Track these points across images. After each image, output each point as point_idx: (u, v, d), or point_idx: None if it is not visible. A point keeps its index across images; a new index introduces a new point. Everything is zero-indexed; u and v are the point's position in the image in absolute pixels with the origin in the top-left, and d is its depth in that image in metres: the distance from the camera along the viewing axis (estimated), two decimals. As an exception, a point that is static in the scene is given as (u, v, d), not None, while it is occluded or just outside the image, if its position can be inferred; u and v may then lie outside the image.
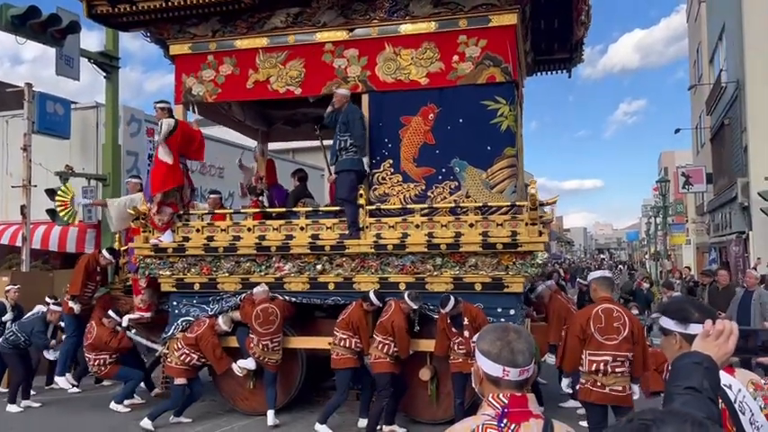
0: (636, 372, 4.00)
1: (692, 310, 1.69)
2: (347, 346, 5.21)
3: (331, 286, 5.64)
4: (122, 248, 7.39)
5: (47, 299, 7.40)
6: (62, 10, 8.38)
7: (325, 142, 7.98)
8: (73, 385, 6.78)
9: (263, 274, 5.75)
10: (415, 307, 5.06)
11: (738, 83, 13.00)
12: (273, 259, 5.71)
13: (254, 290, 5.59)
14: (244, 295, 5.80)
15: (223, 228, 5.89)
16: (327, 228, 5.59)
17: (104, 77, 10.01)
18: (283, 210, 6.44)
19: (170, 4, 5.85)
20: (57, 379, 6.74)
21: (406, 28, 5.79)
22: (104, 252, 6.89)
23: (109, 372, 6.41)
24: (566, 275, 18.64)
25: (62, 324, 6.88)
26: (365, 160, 5.52)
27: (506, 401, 1.38)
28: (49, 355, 6.79)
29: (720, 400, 1.36)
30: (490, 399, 1.41)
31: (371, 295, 5.22)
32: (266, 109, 8.45)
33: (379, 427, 5.12)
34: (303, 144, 12.93)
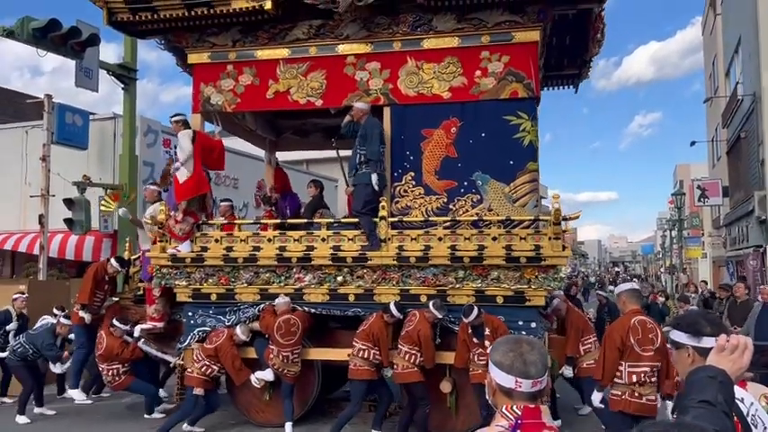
0: (662, 382, 4.13)
1: (704, 324, 1.70)
2: (366, 357, 5.34)
3: (351, 298, 5.78)
4: (133, 257, 7.41)
5: (54, 310, 7.43)
6: (82, 23, 8.75)
7: (341, 153, 8.11)
8: (87, 400, 6.83)
9: (282, 284, 5.86)
10: (440, 316, 5.21)
11: (755, 96, 13.14)
12: (294, 270, 5.84)
13: (276, 301, 5.71)
14: (263, 306, 5.91)
15: (243, 238, 6.04)
16: (349, 239, 5.75)
17: (122, 89, 10.35)
18: (298, 221, 6.58)
19: (192, 13, 5.98)
20: (70, 392, 6.80)
21: (429, 42, 6.00)
22: (113, 261, 6.98)
23: (122, 383, 6.46)
24: (576, 289, 18.60)
25: (70, 336, 6.85)
26: (374, 177, 5.56)
27: (520, 413, 1.39)
28: (56, 369, 6.80)
29: (733, 414, 1.36)
30: (503, 410, 1.41)
31: (392, 307, 5.38)
32: (276, 119, 8.66)
33: None
34: (317, 155, 13.17)
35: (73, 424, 6.48)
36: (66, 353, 6.78)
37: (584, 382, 5.69)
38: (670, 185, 33.67)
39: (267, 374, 5.69)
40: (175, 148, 7.75)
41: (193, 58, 6.55)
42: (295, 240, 5.79)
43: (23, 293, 7.96)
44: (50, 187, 9.75)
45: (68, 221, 9.48)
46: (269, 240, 5.85)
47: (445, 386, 5.33)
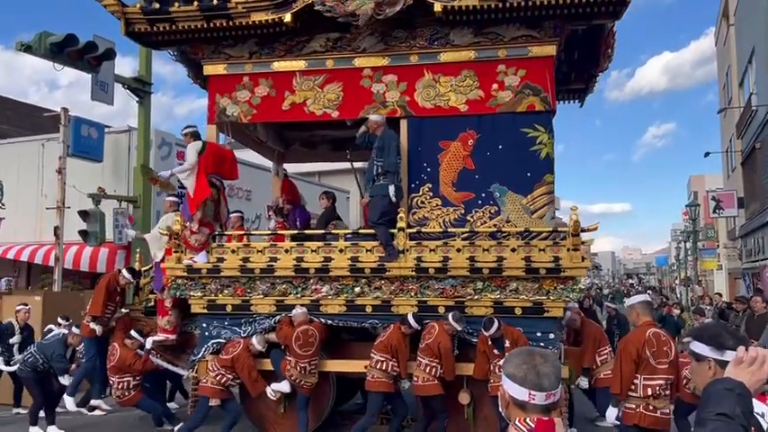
0: (672, 394, 4.17)
1: (727, 337, 1.71)
2: (384, 369, 5.38)
3: (369, 309, 5.82)
4: (144, 268, 7.41)
5: (59, 319, 7.44)
6: (98, 37, 9.19)
7: (355, 165, 8.18)
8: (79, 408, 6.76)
9: (299, 296, 5.91)
10: (460, 328, 5.25)
11: None
12: (311, 281, 5.90)
13: (294, 312, 5.76)
14: (279, 317, 5.95)
15: (259, 249, 6.09)
16: (367, 250, 5.81)
17: (137, 102, 10.65)
18: (316, 232, 6.65)
19: (211, 25, 6.08)
20: (65, 398, 6.71)
21: (446, 56, 6.12)
22: (124, 272, 7.03)
23: (132, 398, 6.44)
24: (589, 302, 18.54)
25: (79, 347, 6.85)
26: (391, 189, 5.64)
27: (533, 426, 1.39)
28: (64, 381, 6.77)
29: (753, 429, 1.37)
30: (517, 423, 1.42)
31: (410, 318, 5.44)
32: (284, 130, 8.78)
33: None
34: (328, 167, 13.32)
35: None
36: (74, 366, 6.82)
37: (601, 392, 5.72)
38: (684, 197, 33.70)
39: (284, 386, 5.72)
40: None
41: (209, 69, 6.65)
42: (312, 251, 5.86)
43: (26, 305, 8.03)
44: (66, 199, 10.00)
45: (83, 233, 9.69)
46: (286, 251, 5.92)
47: (464, 398, 5.38)
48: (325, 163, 11.09)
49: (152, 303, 7.15)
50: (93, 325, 6.53)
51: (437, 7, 5.40)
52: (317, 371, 5.71)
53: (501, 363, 5.02)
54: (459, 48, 5.98)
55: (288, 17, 5.76)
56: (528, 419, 1.40)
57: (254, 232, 6.98)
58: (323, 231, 6.51)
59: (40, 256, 11.42)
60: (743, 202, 17.89)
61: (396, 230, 5.57)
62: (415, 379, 5.33)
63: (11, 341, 7.48)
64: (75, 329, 6.74)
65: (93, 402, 6.75)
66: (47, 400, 6.70)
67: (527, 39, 5.83)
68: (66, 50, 8.42)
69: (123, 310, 7.16)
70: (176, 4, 5.98)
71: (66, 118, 10.00)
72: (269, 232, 6.84)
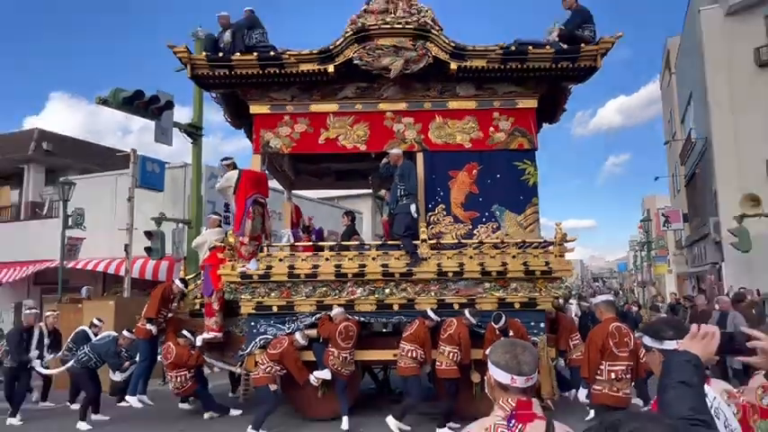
0: (633, 377, 4.60)
1: (666, 330, 1.87)
2: (413, 356, 6.25)
3: (396, 307, 6.84)
4: (188, 277, 8.29)
5: (94, 320, 8.26)
6: (161, 92, 10.41)
7: (356, 191, 9.44)
8: (143, 405, 7.31)
9: (337, 297, 6.84)
10: (475, 322, 6.29)
11: (706, 140, 15.09)
12: (348, 284, 6.85)
13: (334, 311, 6.64)
14: (319, 315, 6.80)
15: (303, 258, 7.01)
16: (396, 258, 6.85)
17: (191, 143, 12.08)
18: (351, 243, 7.55)
19: (264, 72, 7.08)
20: (128, 398, 7.34)
21: (453, 104, 7.47)
22: (177, 282, 7.89)
23: (189, 388, 7.18)
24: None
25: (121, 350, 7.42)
26: (413, 207, 6.64)
27: (514, 405, 1.51)
28: (116, 377, 7.45)
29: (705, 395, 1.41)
30: (500, 402, 1.55)
31: (430, 313, 6.45)
32: (297, 162, 9.80)
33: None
34: (344, 192, 15.10)
35: (132, 428, 7.01)
36: (127, 363, 7.37)
37: (575, 370, 6.77)
38: (639, 214, 36.92)
39: (325, 374, 6.47)
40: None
41: (255, 108, 7.54)
42: (349, 259, 6.87)
43: (55, 311, 8.74)
44: (134, 222, 11.49)
45: (148, 249, 11.18)
46: (326, 259, 6.90)
47: (475, 377, 6.37)
48: (342, 190, 12.57)
49: (197, 307, 7.92)
50: (149, 326, 7.24)
51: (453, 65, 6.80)
52: (354, 360, 6.63)
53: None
54: (463, 98, 7.37)
55: (331, 68, 6.90)
56: (510, 400, 1.52)
57: (314, 244, 7.74)
58: (358, 243, 7.46)
59: (112, 268, 13.46)
60: (687, 217, 20.11)
61: (419, 241, 6.73)
62: (439, 364, 6.15)
63: (43, 343, 7.74)
64: (126, 333, 7.27)
65: (127, 398, 7.32)
66: (96, 395, 7.13)
67: (515, 93, 7.30)
68: (135, 103, 9.76)
69: (169, 314, 7.71)
70: (237, 54, 7.03)
71: (134, 157, 11.62)
72: (317, 244, 7.70)
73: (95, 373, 7.34)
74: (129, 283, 11.56)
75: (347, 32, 6.94)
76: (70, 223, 12.60)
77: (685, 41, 18.37)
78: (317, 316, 6.84)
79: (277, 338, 6.72)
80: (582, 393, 4.86)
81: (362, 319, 6.86)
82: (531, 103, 7.35)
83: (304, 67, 7.02)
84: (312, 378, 6.57)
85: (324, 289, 6.88)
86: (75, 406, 7.87)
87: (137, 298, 10.80)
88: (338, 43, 6.94)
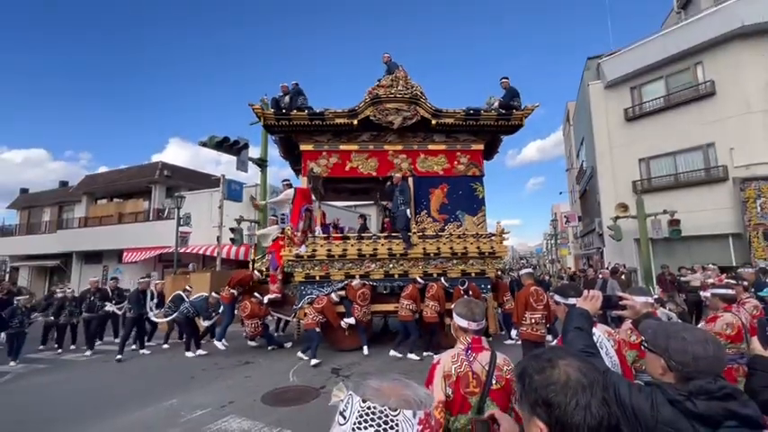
0: (547, 322, 4.71)
1: (569, 290, 1.92)
2: (410, 309, 6.53)
3: (396, 276, 7.25)
4: (257, 257, 8.63)
5: (187, 287, 8.38)
6: (240, 137, 11.10)
7: (365, 202, 9.93)
8: (225, 346, 7.18)
9: (358, 269, 7.15)
10: (447, 285, 6.82)
11: (593, 168, 15.71)
12: (366, 261, 7.17)
13: (354, 281, 6.91)
14: (345, 283, 7.05)
15: (336, 244, 7.24)
16: (396, 244, 7.29)
17: (260, 170, 12.60)
18: (366, 235, 7.76)
19: (311, 122, 7.41)
20: (215, 342, 7.26)
21: (431, 146, 7.97)
22: (256, 272, 8.10)
23: (261, 331, 7.28)
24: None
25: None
26: (408, 211, 7.14)
27: (470, 341, 1.57)
28: (205, 323, 7.52)
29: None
30: (461, 339, 1.61)
31: (418, 279, 6.97)
32: (326, 183, 10.04)
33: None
34: (359, 202, 15.97)
35: (223, 356, 6.96)
36: (217, 316, 7.48)
37: (507, 316, 7.15)
38: (549, 216, 38.21)
39: (351, 320, 6.74)
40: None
41: (303, 147, 7.75)
42: (367, 245, 7.20)
43: (162, 281, 8.86)
44: (222, 221, 12.25)
45: (232, 239, 11.81)
46: (352, 245, 7.18)
47: (448, 321, 6.84)
48: (355, 201, 13.24)
49: (264, 277, 8.12)
50: (233, 291, 7.46)
51: (433, 121, 7.36)
52: (370, 312, 6.95)
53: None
54: (437, 143, 7.90)
55: (355, 121, 7.35)
56: (467, 337, 1.58)
57: (335, 236, 7.91)
58: (371, 234, 7.71)
59: (209, 251, 14.44)
60: (581, 218, 21.02)
61: (411, 233, 7.22)
62: (425, 313, 6.44)
63: (151, 303, 7.79)
64: (214, 294, 7.45)
65: (214, 341, 7.22)
66: (195, 335, 7.25)
67: (471, 140, 7.87)
68: (224, 144, 10.42)
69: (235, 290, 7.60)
70: (294, 112, 7.40)
71: (223, 180, 12.55)
72: (347, 236, 7.70)
73: (193, 321, 7.40)
74: (220, 262, 12.41)
75: (366, 99, 7.36)
76: (182, 222, 13.09)
77: (579, 104, 19.00)
78: (344, 283, 7.04)
79: (319, 297, 6.86)
80: (513, 332, 5.27)
81: (375, 284, 7.20)
82: (480, 147, 7.91)
83: (338, 120, 7.34)
84: (343, 323, 6.77)
85: (349, 264, 7.12)
86: (166, 346, 7.94)
87: (224, 271, 11.36)
88: (360, 106, 7.39)
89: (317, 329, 6.53)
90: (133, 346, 7.62)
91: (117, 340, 7.83)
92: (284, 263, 7.26)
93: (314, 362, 6.11)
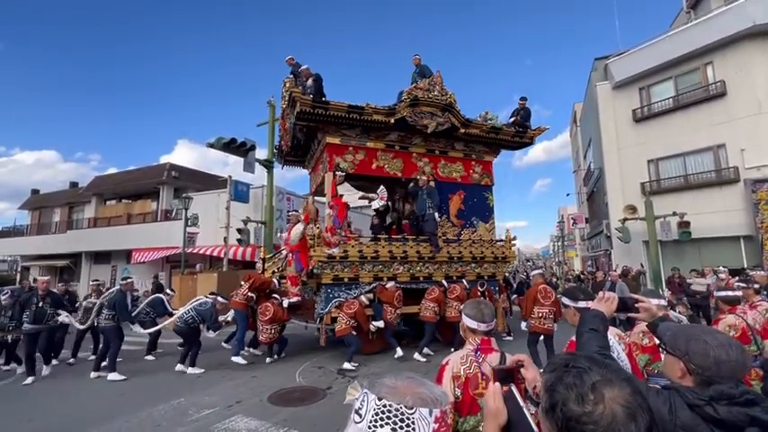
0: (556, 317, 5.17)
1: (578, 293, 1.91)
2: (434, 311, 6.72)
3: (421, 278, 7.44)
4: (266, 257, 8.24)
5: (167, 290, 7.89)
6: (247, 139, 11.17)
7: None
8: (245, 361, 6.56)
9: (387, 272, 7.20)
10: (468, 287, 7.24)
11: (600, 170, 15.91)
12: (395, 263, 7.24)
13: (389, 284, 6.83)
14: (374, 285, 6.98)
15: (367, 245, 7.15)
16: (423, 247, 7.51)
17: (266, 172, 12.97)
18: (395, 237, 7.66)
19: (348, 115, 6.99)
20: (233, 358, 6.58)
21: (452, 153, 8.56)
22: (274, 279, 7.37)
23: (277, 338, 6.76)
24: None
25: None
26: (437, 215, 7.30)
27: (479, 342, 1.59)
28: (210, 334, 6.54)
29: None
30: (470, 340, 1.62)
31: (444, 282, 7.24)
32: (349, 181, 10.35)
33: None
34: (361, 204, 16.62)
35: (225, 352, 6.86)
36: (223, 322, 6.61)
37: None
38: (556, 217, 38.74)
39: (380, 323, 6.69)
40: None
41: (330, 139, 7.34)
42: (396, 247, 7.28)
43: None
44: (229, 222, 12.43)
45: (239, 240, 11.97)
46: (383, 246, 7.11)
47: None
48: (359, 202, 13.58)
49: (278, 279, 7.39)
50: (253, 296, 6.70)
51: (462, 130, 7.88)
52: (399, 314, 6.80)
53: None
54: (457, 150, 8.52)
55: (392, 120, 7.15)
56: (477, 338, 1.59)
57: (363, 236, 7.71)
58: (402, 236, 7.57)
59: (215, 252, 14.67)
60: (588, 220, 21.35)
61: (439, 237, 7.65)
62: (449, 313, 6.71)
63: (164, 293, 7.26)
64: (220, 299, 6.64)
65: (232, 358, 6.52)
66: (196, 347, 6.35)
67: (484, 152, 8.51)
68: (231, 146, 10.41)
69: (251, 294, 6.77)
70: (325, 99, 6.82)
71: (230, 181, 12.73)
72: (376, 237, 7.53)
73: (198, 331, 6.44)
74: (227, 262, 12.68)
75: (405, 98, 7.17)
76: (189, 223, 13.24)
77: (586, 105, 18.99)
78: (372, 285, 7.01)
79: (348, 301, 6.65)
80: (523, 325, 5.43)
81: (402, 285, 7.14)
82: (492, 158, 8.59)
83: (376, 117, 7.08)
84: (372, 326, 6.67)
85: (379, 266, 7.10)
86: (151, 357, 7.21)
87: (231, 272, 12.20)
88: (400, 105, 7.27)
89: (354, 333, 6.37)
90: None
91: (92, 357, 6.72)
92: (314, 264, 6.81)
93: (349, 366, 5.94)
